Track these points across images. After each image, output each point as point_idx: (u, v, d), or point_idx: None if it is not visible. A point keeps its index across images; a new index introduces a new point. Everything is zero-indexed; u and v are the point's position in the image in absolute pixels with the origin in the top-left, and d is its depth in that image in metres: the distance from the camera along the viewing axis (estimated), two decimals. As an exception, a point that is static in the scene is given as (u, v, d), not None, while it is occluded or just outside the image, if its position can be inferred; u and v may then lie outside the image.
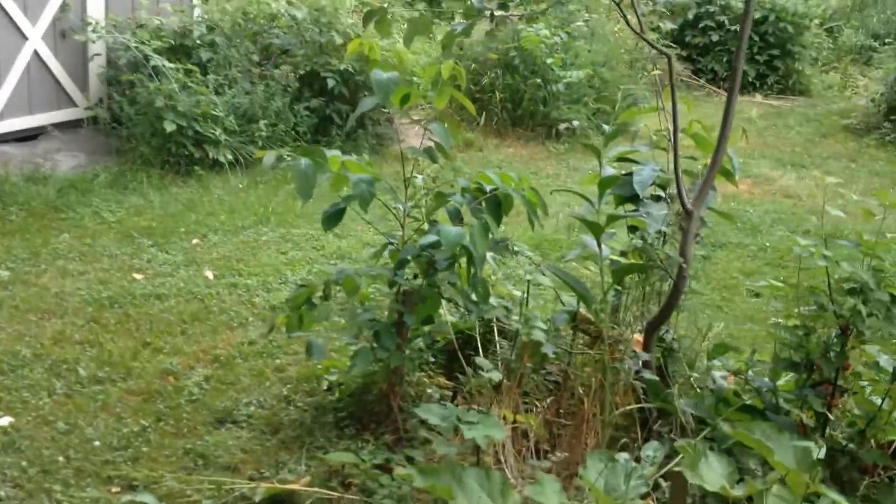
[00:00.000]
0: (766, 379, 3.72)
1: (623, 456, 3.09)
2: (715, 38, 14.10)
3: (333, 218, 3.89)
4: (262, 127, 8.17)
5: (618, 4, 4.25)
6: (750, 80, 13.92)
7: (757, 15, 13.84)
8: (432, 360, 4.39)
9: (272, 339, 5.03)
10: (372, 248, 6.46)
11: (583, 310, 4.08)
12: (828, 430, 3.51)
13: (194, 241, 6.43)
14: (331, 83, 8.60)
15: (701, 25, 14.16)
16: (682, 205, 3.77)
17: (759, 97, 13.76)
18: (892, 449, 3.57)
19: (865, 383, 3.56)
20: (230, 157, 7.92)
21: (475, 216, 3.80)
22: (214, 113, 7.85)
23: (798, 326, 3.44)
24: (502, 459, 3.62)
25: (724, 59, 14.03)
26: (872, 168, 9.97)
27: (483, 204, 3.79)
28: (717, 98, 13.51)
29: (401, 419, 4.00)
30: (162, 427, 4.15)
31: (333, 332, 4.95)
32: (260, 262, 6.12)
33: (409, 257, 3.88)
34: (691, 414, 3.72)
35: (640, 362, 3.70)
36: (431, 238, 3.72)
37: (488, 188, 3.85)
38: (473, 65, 9.90)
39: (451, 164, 4.01)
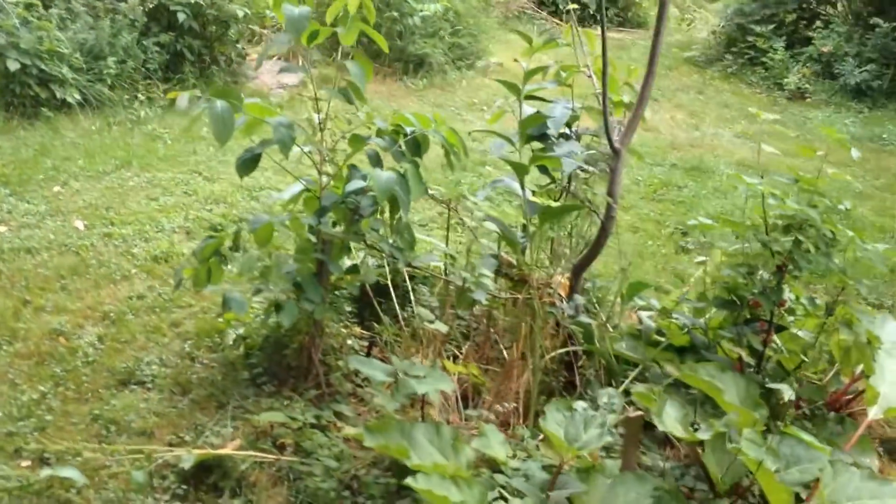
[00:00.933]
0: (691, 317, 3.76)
1: (581, 404, 3.06)
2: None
3: (249, 164, 3.66)
4: (111, 64, 7.68)
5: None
6: (591, 13, 14.09)
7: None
8: (347, 310, 4.24)
9: (162, 293, 4.76)
10: (248, 192, 6.23)
11: (503, 253, 4.01)
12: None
13: (55, 188, 5.99)
14: (181, 17, 8.13)
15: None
16: (610, 144, 3.74)
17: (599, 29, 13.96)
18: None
19: (792, 319, 3.66)
20: (78, 97, 7.41)
21: (397, 159, 3.67)
22: (60, 50, 7.31)
23: (741, 265, 3.48)
24: (434, 413, 3.55)
25: (565, -7, 14.15)
26: (720, 100, 10.30)
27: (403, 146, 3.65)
28: (556, 28, 13.64)
29: (322, 373, 3.85)
30: (62, 392, 3.85)
31: (231, 283, 4.70)
32: (131, 210, 5.76)
33: (328, 204, 3.69)
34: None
35: (575, 306, 3.67)
36: (358, 184, 3.55)
37: (409, 130, 3.71)
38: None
39: (363, 104, 3.80)
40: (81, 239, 5.27)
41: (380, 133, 3.74)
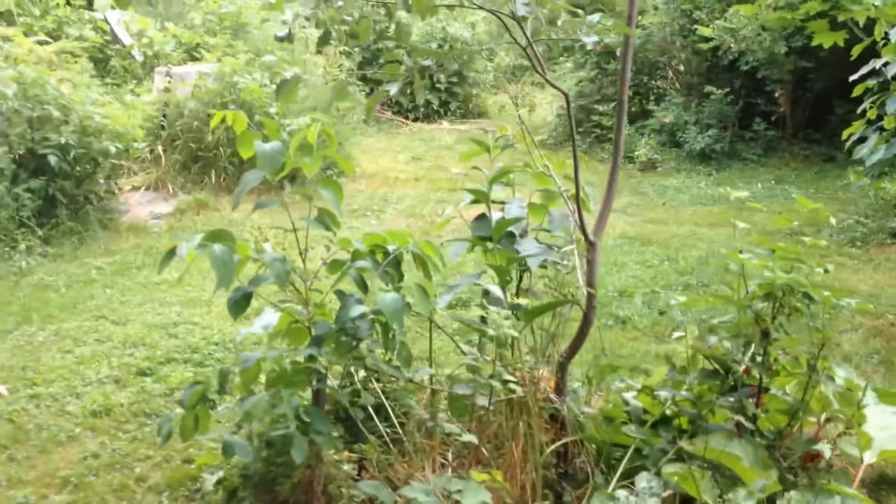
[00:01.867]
0: (683, 391, 3.88)
1: (623, 493, 3.11)
2: (393, 90, 14.48)
3: (241, 303, 3.57)
4: (-18, 217, 7.36)
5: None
6: (435, 108, 14.51)
7: (434, 45, 14.48)
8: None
9: (115, 449, 4.55)
10: (164, 330, 6.05)
11: (487, 356, 4.04)
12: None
13: (-40, 353, 5.65)
14: (52, 160, 7.86)
15: (380, 61, 14.51)
16: (585, 237, 3.86)
17: (445, 124, 14.39)
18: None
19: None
20: (-55, 253, 7.05)
21: (383, 280, 3.67)
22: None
23: (736, 335, 3.63)
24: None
25: (408, 91, 14.48)
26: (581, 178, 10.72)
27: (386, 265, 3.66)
28: (406, 128, 13.96)
29: (324, 502, 3.76)
30: (55, 572, 3.61)
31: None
32: (49, 367, 5.48)
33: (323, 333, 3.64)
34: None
35: (576, 398, 3.74)
36: (359, 309, 3.52)
37: (391, 248, 3.73)
38: (196, 123, 9.50)
39: (338, 228, 3.81)
40: (9, 405, 4.98)
41: (358, 255, 3.74)
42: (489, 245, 4.30)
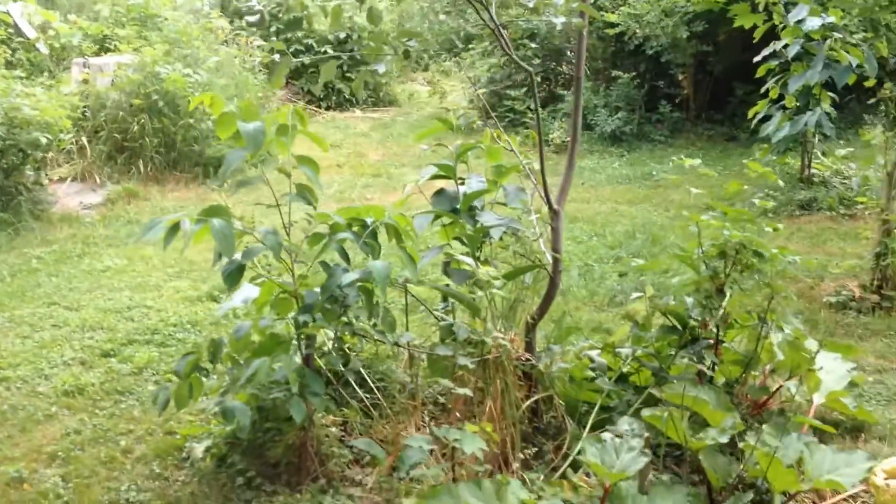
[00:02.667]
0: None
1: (607, 436, 3.45)
2: (307, 61, 14.60)
3: (235, 275, 3.76)
4: None
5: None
6: (346, 97, 14.68)
7: (342, 36, 14.65)
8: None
9: (95, 425, 4.70)
10: (119, 314, 6.17)
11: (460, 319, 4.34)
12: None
13: (-82, 343, 5.69)
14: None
15: (291, 50, 14.60)
16: (549, 205, 4.19)
17: (358, 112, 14.58)
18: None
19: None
20: None
21: (364, 251, 3.93)
22: None
23: (698, 291, 4.00)
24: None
25: (319, 80, 14.65)
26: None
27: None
28: (320, 116, 14.11)
29: (318, 463, 4.01)
30: (63, 538, 3.78)
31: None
32: (11, 352, 5.56)
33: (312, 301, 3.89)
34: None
35: (551, 356, 4.07)
36: (351, 276, 3.77)
37: (369, 220, 3.98)
38: (120, 113, 9.54)
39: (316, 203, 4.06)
40: (-21, 388, 5.08)
41: (337, 228, 3.98)
42: (449, 218, 4.57)
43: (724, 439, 3.48)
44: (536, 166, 4.44)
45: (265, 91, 12.43)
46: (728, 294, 3.99)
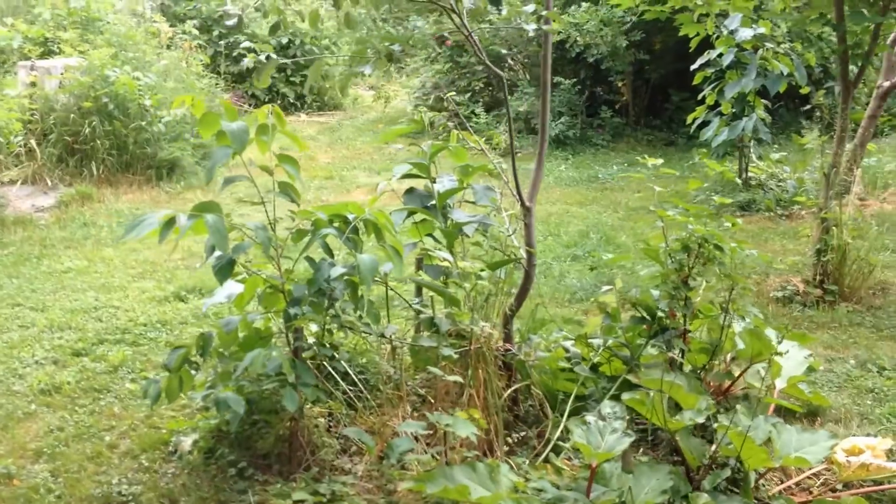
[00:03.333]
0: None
1: (591, 418, 3.65)
2: (250, 65, 14.62)
3: (226, 269, 3.87)
4: None
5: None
6: (291, 101, 14.76)
7: (284, 41, 14.72)
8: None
9: (77, 421, 4.77)
10: (86, 314, 6.22)
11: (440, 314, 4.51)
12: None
13: None
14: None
15: (234, 55, 14.64)
16: (522, 202, 4.39)
17: (303, 116, 14.67)
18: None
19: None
20: None
21: (348, 247, 4.07)
22: None
23: (666, 283, 4.23)
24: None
25: (269, 86, 14.68)
26: (447, 164, 11.30)
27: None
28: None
29: (309, 451, 4.14)
30: (58, 530, 3.85)
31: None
32: (-21, 352, 5.59)
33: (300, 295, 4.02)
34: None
35: (531, 346, 4.27)
36: (338, 270, 3.91)
37: (350, 216, 4.12)
38: (71, 116, 9.52)
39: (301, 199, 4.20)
40: (-48, 388, 5.10)
41: (320, 224, 4.11)
42: (424, 216, 4.73)
43: (701, 419, 3.71)
44: (504, 166, 4.64)
45: (209, 94, 12.46)
46: (694, 286, 4.23)
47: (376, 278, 4.46)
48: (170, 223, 3.65)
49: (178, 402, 4.71)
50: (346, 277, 3.97)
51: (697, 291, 4.25)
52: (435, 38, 12.64)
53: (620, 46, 11.99)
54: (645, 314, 4.39)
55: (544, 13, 4.39)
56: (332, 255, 4.14)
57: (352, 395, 4.42)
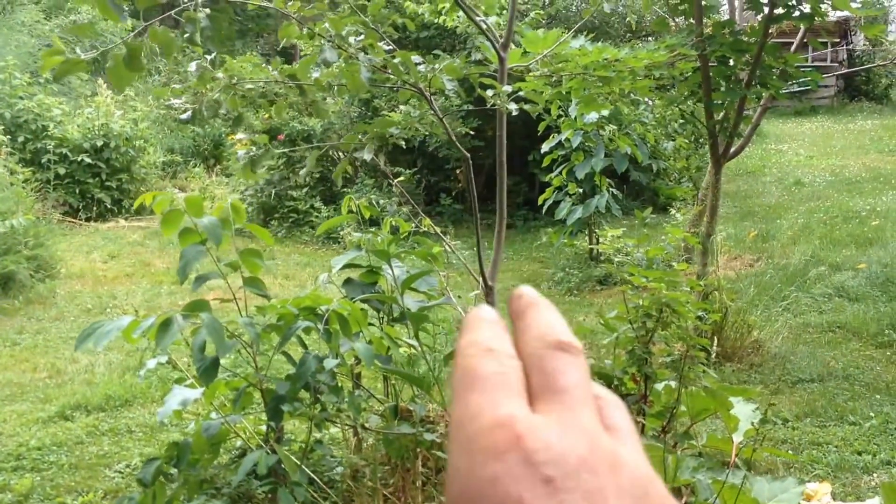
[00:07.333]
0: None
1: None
2: (62, 171, 13.97)
3: (210, 370, 3.64)
4: None
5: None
6: (108, 206, 14.14)
7: (99, 143, 14.16)
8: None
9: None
10: (29, 428, 5.72)
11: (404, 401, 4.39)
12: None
13: None
14: None
15: (44, 160, 13.90)
16: (485, 282, 4.37)
17: (122, 221, 14.08)
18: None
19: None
20: None
21: (325, 339, 3.92)
22: None
23: (638, 348, 4.28)
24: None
25: (77, 191, 14.00)
26: (291, 262, 11.18)
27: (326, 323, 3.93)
28: (80, 229, 13.48)
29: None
30: None
31: None
32: None
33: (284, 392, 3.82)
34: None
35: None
36: (332, 363, 3.75)
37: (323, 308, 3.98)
38: None
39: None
40: None
41: (289, 318, 3.95)
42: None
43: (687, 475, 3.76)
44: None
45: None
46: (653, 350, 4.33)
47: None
48: (166, 324, 3.39)
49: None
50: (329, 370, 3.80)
51: (657, 356, 4.34)
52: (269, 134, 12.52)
53: (459, 134, 12.26)
54: (604, 383, 4.43)
55: (500, 91, 4.44)
56: (306, 348, 3.98)
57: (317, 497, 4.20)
